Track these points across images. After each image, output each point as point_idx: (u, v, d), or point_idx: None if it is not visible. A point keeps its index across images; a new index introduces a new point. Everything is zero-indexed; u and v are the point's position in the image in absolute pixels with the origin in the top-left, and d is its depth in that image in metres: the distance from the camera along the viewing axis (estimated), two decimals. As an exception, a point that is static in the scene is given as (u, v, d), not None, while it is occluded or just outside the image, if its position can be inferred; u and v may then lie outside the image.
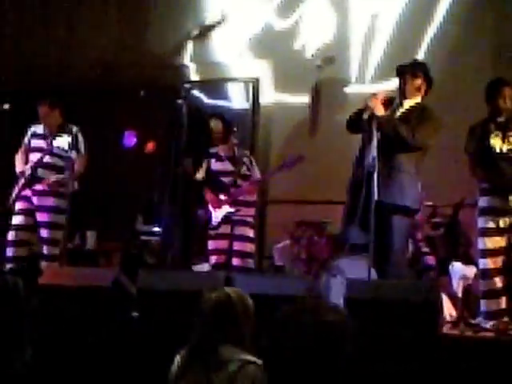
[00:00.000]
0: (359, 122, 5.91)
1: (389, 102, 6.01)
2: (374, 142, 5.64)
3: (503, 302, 6.06)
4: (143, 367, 5.00)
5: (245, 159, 7.69)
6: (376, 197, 5.50)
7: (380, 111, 5.83)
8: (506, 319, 6.00)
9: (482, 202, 6.07)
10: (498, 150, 5.95)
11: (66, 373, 4.64)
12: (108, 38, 10.13)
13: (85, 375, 4.77)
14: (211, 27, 9.72)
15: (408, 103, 6.09)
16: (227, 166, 7.63)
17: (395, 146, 5.82)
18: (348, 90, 9.16)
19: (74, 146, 7.14)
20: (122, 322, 5.30)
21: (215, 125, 7.70)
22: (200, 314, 3.39)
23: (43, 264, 7.16)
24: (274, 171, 8.02)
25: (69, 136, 7.23)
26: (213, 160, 7.64)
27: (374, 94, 6.00)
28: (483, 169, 6.02)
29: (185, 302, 5.17)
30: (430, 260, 7.27)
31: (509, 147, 5.94)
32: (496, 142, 5.96)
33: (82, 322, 5.16)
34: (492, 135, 5.98)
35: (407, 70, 6.15)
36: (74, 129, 7.29)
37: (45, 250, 7.28)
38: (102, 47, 10.10)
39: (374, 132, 5.71)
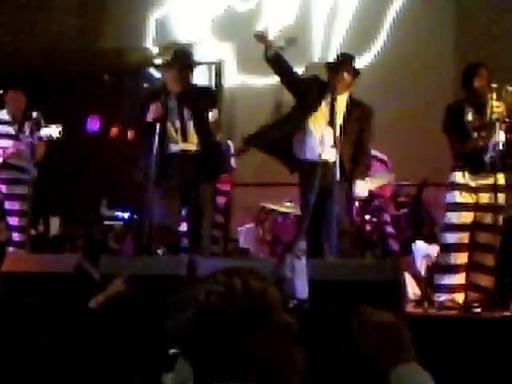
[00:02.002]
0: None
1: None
2: None
3: (459, 278, 6.13)
4: (108, 354, 4.97)
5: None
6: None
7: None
8: (456, 295, 6.08)
9: (453, 177, 6.19)
10: (471, 124, 6.07)
11: (27, 361, 4.60)
12: (69, 23, 10.03)
13: (47, 363, 4.74)
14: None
15: (342, 98, 6.36)
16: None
17: None
18: (311, 71, 9.14)
19: (33, 131, 7.07)
20: (85, 308, 5.26)
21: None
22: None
23: (10, 250, 7.13)
24: (239, 151, 8.03)
25: (30, 122, 7.18)
26: None
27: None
28: (458, 142, 6.14)
29: (148, 287, 5.17)
30: (394, 245, 7.30)
31: (480, 120, 6.06)
32: (469, 117, 6.08)
33: (44, 308, 5.12)
34: (466, 110, 6.09)
35: (339, 67, 6.35)
36: (35, 114, 7.21)
37: (15, 237, 7.27)
38: (63, 32, 9.99)
39: None
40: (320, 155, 6.17)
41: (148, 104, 6.43)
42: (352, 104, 6.41)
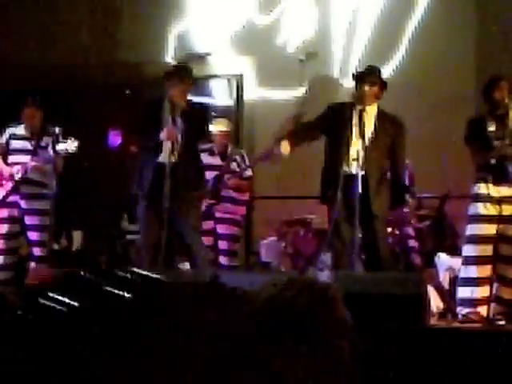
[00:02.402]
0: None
1: None
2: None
3: (482, 291, 6.10)
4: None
5: (237, 156, 7.78)
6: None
7: None
8: (480, 309, 6.05)
9: (477, 188, 6.18)
10: (492, 134, 6.06)
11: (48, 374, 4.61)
12: (90, 37, 10.08)
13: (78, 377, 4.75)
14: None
15: (371, 110, 6.36)
16: (216, 161, 7.73)
17: None
18: (330, 84, 9.16)
19: (53, 147, 7.11)
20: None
21: (223, 124, 7.88)
22: None
23: (31, 265, 7.17)
24: (255, 161, 8.10)
25: (50, 137, 7.23)
26: (204, 154, 7.72)
27: None
28: (480, 154, 6.15)
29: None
30: (416, 258, 7.27)
31: (502, 132, 6.05)
32: (493, 128, 6.08)
33: (68, 322, 5.13)
34: (489, 125, 6.09)
35: (364, 79, 6.37)
36: (57, 129, 7.26)
37: (35, 251, 7.29)
38: (85, 47, 10.05)
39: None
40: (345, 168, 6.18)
41: (151, 116, 6.53)
42: (382, 116, 6.41)
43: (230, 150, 7.88)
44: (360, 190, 6.03)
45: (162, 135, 6.43)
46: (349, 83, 8.88)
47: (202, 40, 9.74)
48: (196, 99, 9.38)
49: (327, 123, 6.39)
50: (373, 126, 6.34)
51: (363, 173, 6.13)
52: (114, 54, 9.89)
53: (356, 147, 6.22)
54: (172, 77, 6.59)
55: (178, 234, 6.53)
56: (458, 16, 8.76)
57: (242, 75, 9.54)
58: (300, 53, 9.20)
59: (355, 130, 6.27)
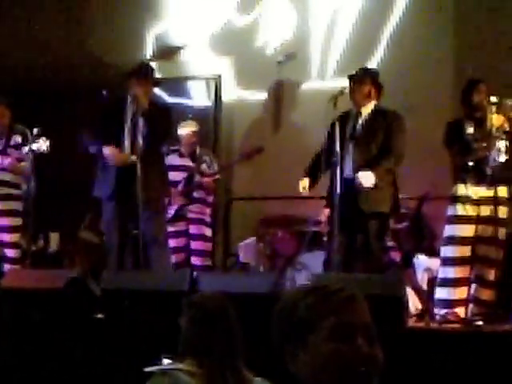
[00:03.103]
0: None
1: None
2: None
3: (460, 292, 6.13)
4: (110, 368, 4.96)
5: (205, 157, 7.83)
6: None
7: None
8: (457, 309, 6.07)
9: (455, 190, 6.23)
10: (470, 136, 6.09)
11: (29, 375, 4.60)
12: (66, 39, 10.01)
13: (49, 377, 4.73)
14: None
15: (366, 110, 6.43)
16: (186, 162, 7.81)
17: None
18: (309, 85, 9.16)
19: (24, 146, 7.02)
20: (86, 323, 5.25)
21: (190, 125, 7.92)
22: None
23: (6, 267, 7.10)
24: (234, 162, 8.12)
25: (20, 136, 7.16)
26: (173, 155, 7.74)
27: None
28: (459, 155, 6.19)
29: (150, 302, 5.16)
30: (395, 255, 7.29)
31: (480, 134, 6.08)
32: (471, 131, 6.11)
33: (43, 324, 5.11)
34: (468, 125, 6.12)
35: (354, 79, 6.48)
36: (26, 130, 7.12)
37: (8, 253, 7.23)
38: (61, 48, 9.97)
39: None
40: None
41: (112, 115, 6.50)
42: (376, 112, 6.43)
43: (198, 151, 7.92)
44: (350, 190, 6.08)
45: (110, 157, 6.37)
46: (327, 84, 8.94)
47: (180, 40, 9.71)
48: (174, 100, 9.44)
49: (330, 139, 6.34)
50: (365, 125, 6.38)
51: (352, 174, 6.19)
52: (92, 54, 9.83)
53: (348, 149, 6.25)
54: (134, 76, 6.54)
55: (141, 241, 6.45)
56: (435, 17, 8.78)
57: (220, 76, 9.51)
58: (278, 54, 9.20)
59: (348, 132, 6.32)
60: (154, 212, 6.40)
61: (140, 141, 6.28)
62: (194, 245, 7.76)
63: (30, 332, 5.15)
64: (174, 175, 7.57)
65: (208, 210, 7.91)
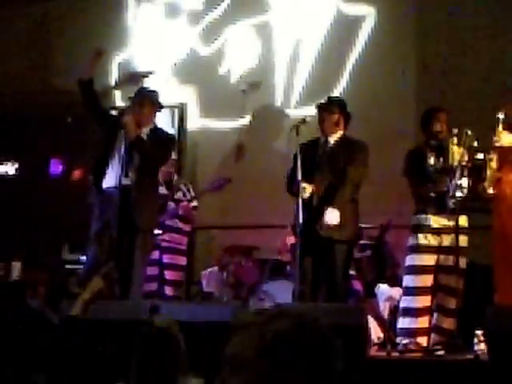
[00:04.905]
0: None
1: None
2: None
3: (422, 321, 6.14)
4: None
5: (182, 186, 7.77)
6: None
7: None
8: (419, 339, 6.09)
9: (415, 219, 6.26)
10: (431, 168, 6.12)
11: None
12: (29, 64, 9.98)
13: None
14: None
15: (332, 138, 6.47)
16: (162, 190, 7.67)
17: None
18: (273, 113, 9.20)
19: None
20: (43, 351, 5.18)
21: None
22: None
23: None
24: (202, 192, 8.09)
25: None
26: None
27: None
28: (420, 186, 6.20)
29: (110, 332, 5.12)
30: (356, 284, 7.30)
31: (441, 164, 6.10)
32: (430, 161, 6.13)
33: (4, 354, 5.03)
34: (427, 155, 6.15)
35: (323, 108, 6.52)
36: None
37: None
38: (24, 73, 9.94)
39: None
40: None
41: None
42: (342, 141, 6.46)
43: (175, 179, 7.87)
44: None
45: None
46: (291, 113, 8.99)
47: (144, 68, 9.71)
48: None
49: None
50: (330, 154, 6.42)
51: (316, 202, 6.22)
52: (55, 81, 9.80)
53: (314, 178, 6.29)
54: (130, 102, 6.53)
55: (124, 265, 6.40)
56: (398, 47, 8.87)
57: (184, 104, 9.52)
58: (242, 83, 9.24)
59: (317, 160, 6.36)
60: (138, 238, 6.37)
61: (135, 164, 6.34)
62: (168, 275, 7.68)
63: None
64: None
65: (184, 239, 7.84)
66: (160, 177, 7.73)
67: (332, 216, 6.17)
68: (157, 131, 6.59)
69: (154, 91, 6.73)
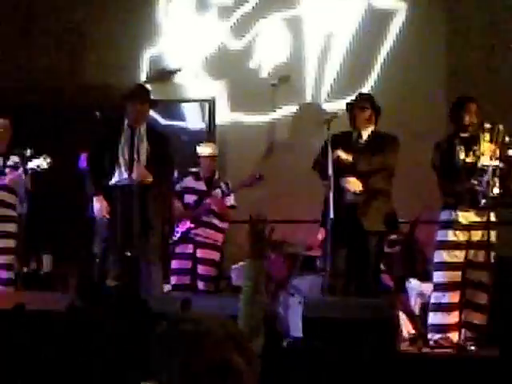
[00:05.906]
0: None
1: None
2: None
3: (452, 317, 6.11)
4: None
5: (222, 184, 7.77)
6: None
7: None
8: (450, 334, 6.06)
9: (444, 215, 6.23)
10: (461, 163, 6.06)
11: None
12: (62, 59, 10.03)
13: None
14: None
15: (365, 134, 6.57)
16: (200, 185, 7.75)
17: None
18: (303, 108, 9.18)
19: (21, 166, 7.02)
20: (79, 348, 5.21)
21: (211, 148, 7.94)
22: None
23: (-1, 288, 7.09)
24: (234, 189, 8.09)
25: (19, 156, 7.14)
26: (190, 177, 7.69)
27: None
28: (449, 181, 6.14)
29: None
30: (387, 279, 7.27)
31: (471, 160, 6.04)
32: (460, 156, 6.08)
33: (35, 347, 5.06)
34: (457, 149, 6.09)
35: (355, 105, 6.62)
36: (28, 152, 7.13)
37: (1, 274, 7.20)
38: (58, 71, 9.98)
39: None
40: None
41: (109, 137, 6.56)
42: (375, 135, 6.51)
43: (216, 176, 7.88)
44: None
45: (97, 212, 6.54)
46: (321, 107, 8.97)
47: (174, 63, 9.73)
48: (169, 122, 9.45)
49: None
50: (364, 149, 6.49)
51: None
52: (88, 76, 9.84)
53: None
54: (130, 98, 6.57)
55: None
56: (429, 40, 8.83)
57: (214, 99, 9.53)
58: (272, 77, 9.23)
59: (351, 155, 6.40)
60: (151, 235, 6.42)
61: (142, 161, 6.43)
62: (201, 269, 7.70)
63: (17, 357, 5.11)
64: (187, 197, 7.71)
65: (220, 236, 7.85)
66: (202, 172, 7.78)
67: (353, 183, 6.25)
68: (153, 132, 6.69)
69: (147, 89, 6.95)
